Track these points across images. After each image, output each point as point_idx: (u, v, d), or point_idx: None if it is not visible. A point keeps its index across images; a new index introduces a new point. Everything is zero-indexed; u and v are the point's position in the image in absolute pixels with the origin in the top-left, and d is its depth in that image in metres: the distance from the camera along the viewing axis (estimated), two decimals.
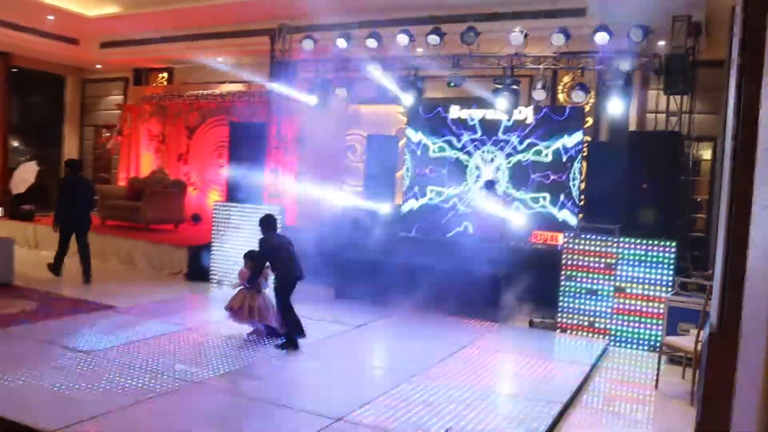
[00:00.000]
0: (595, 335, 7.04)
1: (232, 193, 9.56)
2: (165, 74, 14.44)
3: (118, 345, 5.75)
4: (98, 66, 14.60)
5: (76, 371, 5.01)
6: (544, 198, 9.68)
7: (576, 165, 9.50)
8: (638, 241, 6.88)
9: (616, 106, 8.00)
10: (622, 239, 6.99)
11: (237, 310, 6.13)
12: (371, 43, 8.98)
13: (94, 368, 5.12)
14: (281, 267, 6.05)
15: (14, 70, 13.87)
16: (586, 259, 7.10)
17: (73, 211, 8.86)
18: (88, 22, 12.01)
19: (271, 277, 6.24)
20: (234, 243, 8.93)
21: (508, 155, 9.96)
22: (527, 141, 9.79)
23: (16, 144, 14.78)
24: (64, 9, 11.51)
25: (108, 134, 15.04)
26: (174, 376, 5.00)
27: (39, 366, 5.06)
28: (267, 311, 6.13)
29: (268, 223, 6.17)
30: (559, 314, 7.25)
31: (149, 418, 4.20)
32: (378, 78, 9.27)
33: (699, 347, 5.07)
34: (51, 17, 11.79)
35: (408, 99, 9.32)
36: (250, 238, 8.79)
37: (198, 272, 9.28)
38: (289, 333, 6.02)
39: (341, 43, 9.18)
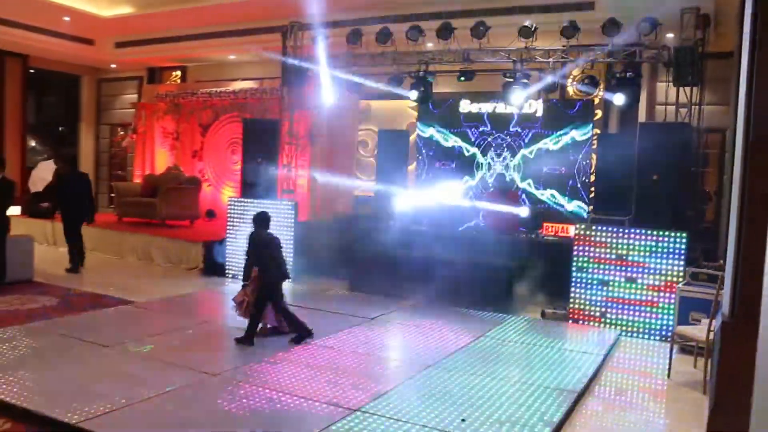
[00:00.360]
0: (607, 325, 7.09)
1: (247, 189, 9.70)
2: (178, 72, 14.58)
3: (137, 339, 5.87)
4: (113, 65, 14.78)
5: (96, 364, 5.12)
6: (555, 190, 9.74)
7: (586, 157, 9.55)
8: (649, 232, 6.92)
9: (625, 101, 7.97)
10: (632, 230, 7.04)
11: (238, 303, 6.26)
12: (381, 38, 9.04)
13: (114, 361, 5.22)
14: (264, 266, 6.07)
15: (32, 71, 14.10)
16: (598, 250, 7.15)
17: (70, 206, 9.25)
18: (102, 22, 12.18)
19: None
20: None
21: (518, 148, 10.02)
22: (537, 134, 9.86)
23: (33, 144, 15.02)
24: (79, 10, 11.68)
25: (123, 133, 15.26)
26: (192, 369, 5.10)
27: (60, 359, 5.19)
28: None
29: (261, 220, 6.19)
30: (571, 305, 7.30)
31: (168, 410, 4.27)
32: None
33: (711, 336, 5.10)
34: (67, 18, 11.96)
35: (418, 94, 9.38)
36: None
37: (213, 267, 9.43)
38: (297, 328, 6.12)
39: (352, 39, 9.24)
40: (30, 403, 4.26)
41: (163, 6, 11.33)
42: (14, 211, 12.90)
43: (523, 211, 9.02)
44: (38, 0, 11.05)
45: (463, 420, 4.26)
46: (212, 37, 11.96)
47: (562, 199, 9.69)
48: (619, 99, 8.02)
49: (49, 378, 4.76)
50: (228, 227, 9.39)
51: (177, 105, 13.65)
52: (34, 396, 4.38)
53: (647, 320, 6.92)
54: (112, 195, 13.56)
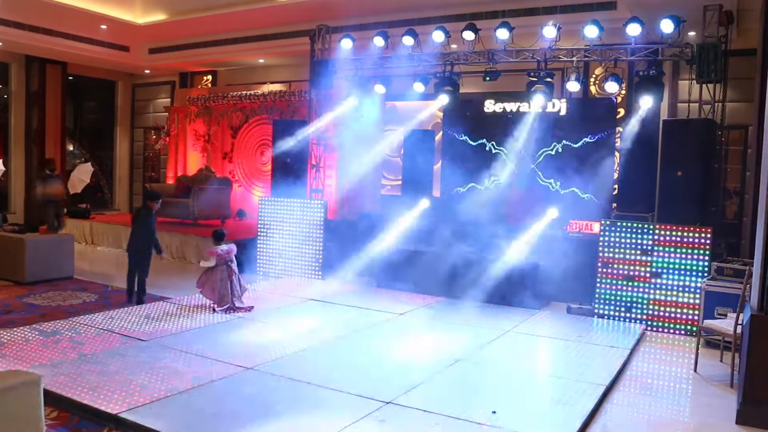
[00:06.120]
0: (633, 320, 7.15)
1: (276, 189, 9.93)
2: (209, 77, 14.94)
3: (174, 333, 6.10)
4: (147, 71, 15.21)
5: (136, 358, 5.31)
6: (579, 187, 9.77)
7: (609, 155, 9.57)
8: (674, 228, 6.96)
9: (649, 99, 7.92)
10: (657, 226, 7.08)
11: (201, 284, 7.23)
12: (408, 40, 9.18)
13: (152, 355, 5.40)
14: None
15: (70, 77, 14.59)
16: (623, 246, 7.20)
17: None
18: (137, 29, 12.57)
19: (211, 260, 7.13)
20: (279, 236, 9.30)
21: (542, 146, 10.08)
22: (560, 132, 9.90)
23: (71, 147, 15.52)
24: (116, 18, 12.09)
25: (155, 136, 15.67)
26: (227, 362, 5.26)
27: (101, 353, 5.39)
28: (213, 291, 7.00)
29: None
30: (597, 300, 7.37)
31: (205, 402, 4.42)
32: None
33: (739, 330, 5.13)
34: (104, 26, 12.40)
35: (444, 94, 9.51)
36: (295, 231, 9.20)
37: (245, 265, 9.68)
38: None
39: (378, 41, 9.39)
40: (75, 393, 4.44)
41: (195, 12, 11.65)
42: None
43: (548, 208, 9.09)
44: (77, 10, 11.47)
45: (494, 412, 4.30)
46: (242, 41, 12.24)
47: (585, 196, 9.72)
48: (647, 102, 7.95)
49: (91, 370, 4.94)
50: (259, 226, 9.62)
51: (208, 108, 14.00)
52: (78, 387, 4.56)
53: (672, 315, 6.96)
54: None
